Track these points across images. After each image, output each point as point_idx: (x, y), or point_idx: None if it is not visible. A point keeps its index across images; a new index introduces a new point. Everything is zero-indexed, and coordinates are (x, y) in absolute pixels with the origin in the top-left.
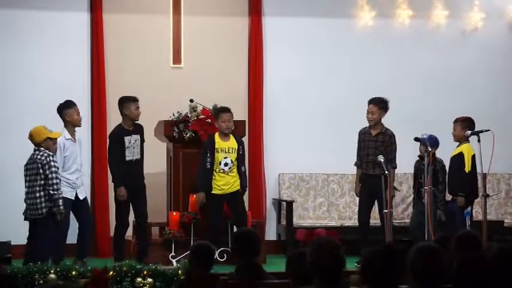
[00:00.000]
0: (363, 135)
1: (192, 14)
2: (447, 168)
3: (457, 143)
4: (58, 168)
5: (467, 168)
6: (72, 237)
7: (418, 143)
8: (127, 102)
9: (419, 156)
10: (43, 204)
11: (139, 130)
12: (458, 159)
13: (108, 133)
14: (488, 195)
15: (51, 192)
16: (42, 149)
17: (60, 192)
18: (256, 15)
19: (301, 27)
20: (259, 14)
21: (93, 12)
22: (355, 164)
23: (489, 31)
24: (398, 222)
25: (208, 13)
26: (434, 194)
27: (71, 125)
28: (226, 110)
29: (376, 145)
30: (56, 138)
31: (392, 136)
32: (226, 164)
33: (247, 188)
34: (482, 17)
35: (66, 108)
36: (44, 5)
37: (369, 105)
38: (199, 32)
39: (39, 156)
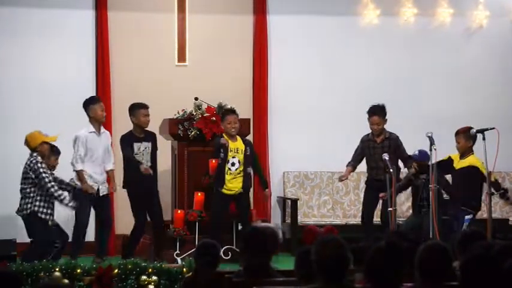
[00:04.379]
0: (367, 142)
1: (196, 12)
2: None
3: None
4: (49, 172)
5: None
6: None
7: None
8: (136, 109)
9: (413, 174)
10: (24, 206)
11: (151, 138)
12: (469, 171)
13: (113, 131)
14: (493, 193)
15: (55, 194)
16: (34, 154)
17: (58, 189)
18: (260, 13)
19: (306, 25)
20: (263, 12)
21: (97, 10)
22: (347, 165)
23: (494, 29)
24: (402, 220)
25: (213, 11)
26: (445, 202)
27: (94, 120)
28: (231, 112)
29: (383, 151)
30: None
31: (397, 139)
32: (233, 164)
33: (250, 189)
34: (487, 15)
35: (90, 104)
36: (48, 2)
37: (372, 116)
38: (204, 30)
39: (28, 162)
